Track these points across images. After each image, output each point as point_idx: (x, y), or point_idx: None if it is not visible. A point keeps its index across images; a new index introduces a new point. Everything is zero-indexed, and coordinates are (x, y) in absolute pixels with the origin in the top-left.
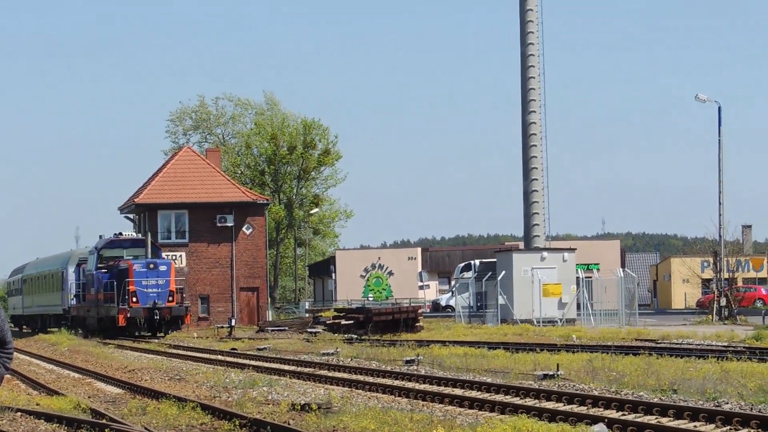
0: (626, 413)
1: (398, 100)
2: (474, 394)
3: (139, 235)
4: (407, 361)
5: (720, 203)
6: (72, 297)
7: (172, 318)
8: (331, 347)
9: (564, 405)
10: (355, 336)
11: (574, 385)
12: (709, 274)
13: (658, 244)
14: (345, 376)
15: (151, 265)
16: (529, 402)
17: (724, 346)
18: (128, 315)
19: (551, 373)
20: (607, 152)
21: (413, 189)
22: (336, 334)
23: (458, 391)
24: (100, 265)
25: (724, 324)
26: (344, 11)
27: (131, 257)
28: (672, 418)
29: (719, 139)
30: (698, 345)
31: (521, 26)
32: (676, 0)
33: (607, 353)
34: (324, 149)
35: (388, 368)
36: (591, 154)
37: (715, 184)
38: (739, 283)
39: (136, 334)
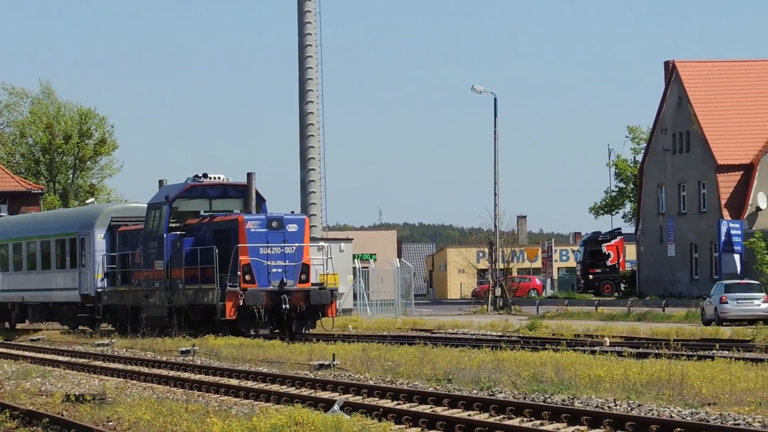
0: (401, 402)
1: (174, 89)
2: (250, 384)
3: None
4: (183, 352)
5: (495, 194)
6: (101, 276)
7: (309, 308)
8: (106, 338)
9: (339, 395)
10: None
11: (349, 375)
12: (484, 264)
13: (435, 235)
14: (120, 366)
15: (275, 223)
16: (305, 392)
17: (499, 336)
18: (241, 302)
19: (327, 363)
20: (385, 143)
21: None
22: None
23: (234, 382)
24: (173, 224)
25: (499, 314)
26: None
27: (224, 213)
28: (446, 407)
29: (495, 131)
30: (473, 335)
31: (299, 16)
32: None
33: (383, 343)
34: (100, 138)
35: (164, 359)
36: (369, 145)
37: (491, 175)
38: (514, 273)
39: (252, 333)
